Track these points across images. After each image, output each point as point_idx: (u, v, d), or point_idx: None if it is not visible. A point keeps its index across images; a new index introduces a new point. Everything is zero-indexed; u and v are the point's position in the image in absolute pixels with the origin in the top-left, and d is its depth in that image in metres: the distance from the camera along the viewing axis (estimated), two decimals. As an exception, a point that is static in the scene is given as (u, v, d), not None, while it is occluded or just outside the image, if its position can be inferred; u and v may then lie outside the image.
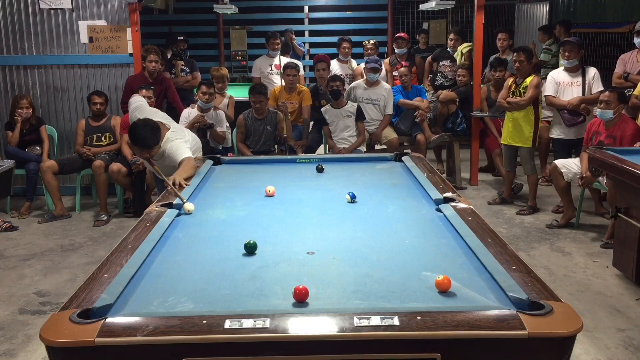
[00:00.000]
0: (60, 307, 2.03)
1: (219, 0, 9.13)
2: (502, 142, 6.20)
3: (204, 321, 1.87)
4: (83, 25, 6.49)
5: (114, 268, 2.34)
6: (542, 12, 10.45)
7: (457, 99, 6.90)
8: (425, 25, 9.97)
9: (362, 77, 7.07)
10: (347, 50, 7.58)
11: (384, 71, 7.48)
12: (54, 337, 1.85)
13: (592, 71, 5.82)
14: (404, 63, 7.22)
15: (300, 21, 10.97)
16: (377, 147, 6.90)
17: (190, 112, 5.98)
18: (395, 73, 7.32)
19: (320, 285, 2.21)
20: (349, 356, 1.86)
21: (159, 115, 4.57)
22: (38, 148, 6.26)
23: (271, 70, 7.33)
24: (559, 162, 5.46)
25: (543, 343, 1.85)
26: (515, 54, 5.99)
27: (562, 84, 5.86)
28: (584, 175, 5.03)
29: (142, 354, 1.86)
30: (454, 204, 3.12)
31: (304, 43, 10.46)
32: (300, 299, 2.05)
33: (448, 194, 3.27)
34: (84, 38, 6.52)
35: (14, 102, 6.18)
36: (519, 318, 1.88)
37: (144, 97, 5.42)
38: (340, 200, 3.40)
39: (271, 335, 1.83)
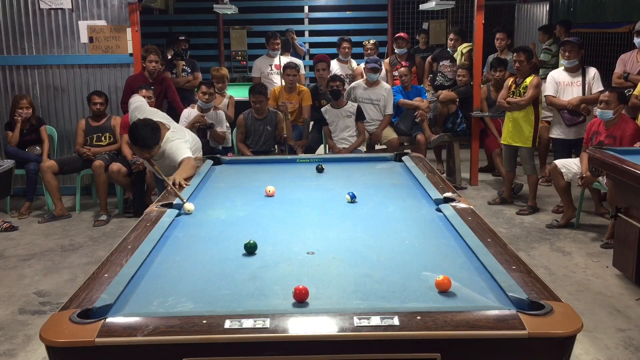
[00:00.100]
0: (60, 307, 2.03)
1: (219, 0, 9.13)
2: (502, 142, 6.20)
3: (204, 321, 1.87)
4: (83, 25, 6.50)
5: (114, 268, 2.34)
6: (542, 12, 10.45)
7: (457, 99, 6.90)
8: (425, 25, 9.96)
9: (362, 77, 7.07)
10: (347, 50, 7.58)
11: (384, 71, 7.48)
12: (54, 337, 1.85)
13: (592, 71, 5.82)
14: (404, 63, 7.22)
15: (300, 21, 10.96)
16: (377, 147, 6.90)
17: (190, 112, 5.98)
18: (395, 73, 7.32)
19: (320, 285, 2.21)
20: (349, 356, 1.86)
21: (159, 115, 4.57)
22: (38, 148, 6.26)
23: (271, 70, 7.33)
24: (559, 162, 5.46)
25: (543, 343, 1.85)
26: (515, 54, 5.99)
27: (562, 84, 5.86)
28: (584, 175, 5.03)
29: (142, 354, 1.86)
30: (454, 204, 3.12)
31: (304, 43, 10.45)
32: (300, 299, 2.05)
33: (448, 194, 3.27)
34: (84, 38, 6.52)
35: (14, 102, 6.18)
36: (519, 318, 1.88)
37: (144, 97, 5.42)
38: (340, 200, 3.40)
39: (271, 335, 1.83)
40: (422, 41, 9.00)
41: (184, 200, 3.24)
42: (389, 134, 6.66)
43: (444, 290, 2.14)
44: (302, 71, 7.38)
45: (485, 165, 7.46)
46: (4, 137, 6.39)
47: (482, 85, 6.85)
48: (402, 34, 8.04)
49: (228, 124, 6.29)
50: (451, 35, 8.03)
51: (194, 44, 8.48)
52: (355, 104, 6.38)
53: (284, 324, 1.87)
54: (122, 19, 6.49)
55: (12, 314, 3.98)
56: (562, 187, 5.43)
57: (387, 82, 7.34)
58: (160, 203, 3.24)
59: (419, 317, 1.88)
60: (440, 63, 7.54)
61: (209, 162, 4.36)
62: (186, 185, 3.66)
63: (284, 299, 2.09)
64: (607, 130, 5.16)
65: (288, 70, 6.56)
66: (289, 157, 5.13)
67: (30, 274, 4.66)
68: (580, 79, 5.80)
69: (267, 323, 1.86)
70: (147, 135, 4.08)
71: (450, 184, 3.69)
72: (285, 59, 6.96)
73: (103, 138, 6.21)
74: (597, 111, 5.25)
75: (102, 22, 6.50)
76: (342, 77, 6.76)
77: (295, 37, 9.20)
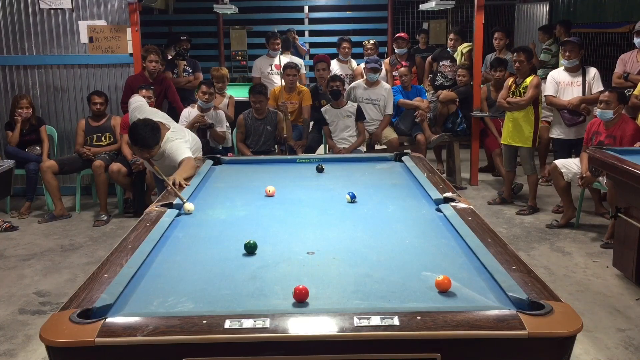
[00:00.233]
0: (60, 307, 2.03)
1: (219, 0, 9.14)
2: (502, 142, 6.20)
3: (204, 321, 1.87)
4: (83, 25, 6.50)
5: (114, 268, 2.34)
6: (542, 12, 10.45)
7: (457, 99, 6.90)
8: (425, 25, 9.97)
9: (362, 77, 7.07)
10: (347, 50, 7.58)
11: (384, 71, 7.49)
12: (54, 337, 1.85)
13: (592, 71, 5.82)
14: (404, 63, 7.22)
15: (300, 21, 10.97)
16: (377, 147, 6.90)
17: (190, 112, 5.98)
18: (395, 73, 7.32)
19: (320, 285, 2.21)
20: (349, 356, 1.86)
21: (159, 115, 4.57)
22: (38, 148, 6.26)
23: (271, 70, 7.33)
24: (559, 162, 5.46)
25: (543, 343, 1.85)
26: (515, 54, 5.99)
27: (562, 83, 5.86)
28: (584, 175, 5.03)
29: (142, 354, 1.86)
30: (454, 204, 3.12)
31: (305, 43, 10.46)
32: (300, 299, 2.05)
33: (448, 194, 3.27)
34: (84, 38, 6.52)
35: (14, 102, 6.18)
36: (519, 318, 1.88)
37: (144, 97, 5.42)
38: (340, 200, 3.39)
39: (271, 335, 1.83)
40: (422, 41, 9.00)
41: (184, 200, 3.24)
42: (389, 134, 6.66)
43: (444, 290, 2.13)
44: (303, 71, 7.38)
45: (485, 165, 7.47)
46: (4, 137, 6.39)
47: (482, 85, 6.85)
48: (402, 34, 8.04)
49: (228, 124, 6.29)
50: (451, 35, 8.03)
51: (194, 44, 8.48)
52: (355, 104, 6.38)
53: (284, 324, 1.87)
54: (122, 19, 6.49)
55: (12, 314, 3.98)
56: (562, 187, 5.43)
57: (387, 82, 7.34)
58: (160, 203, 3.24)
59: (419, 317, 1.88)
60: (440, 63, 7.54)
61: (209, 162, 4.36)
62: (186, 185, 3.66)
63: (284, 299, 2.09)
64: (607, 130, 5.16)
65: (288, 70, 6.56)
66: (289, 157, 5.13)
67: (30, 274, 4.66)
68: (580, 79, 5.80)
69: (267, 323, 1.86)
70: (147, 135, 4.08)
71: (450, 184, 3.69)
72: (286, 59, 6.96)
73: (103, 138, 6.21)
74: (597, 111, 5.25)
75: (102, 22, 6.50)
76: (342, 77, 6.76)
77: (296, 37, 9.21)
